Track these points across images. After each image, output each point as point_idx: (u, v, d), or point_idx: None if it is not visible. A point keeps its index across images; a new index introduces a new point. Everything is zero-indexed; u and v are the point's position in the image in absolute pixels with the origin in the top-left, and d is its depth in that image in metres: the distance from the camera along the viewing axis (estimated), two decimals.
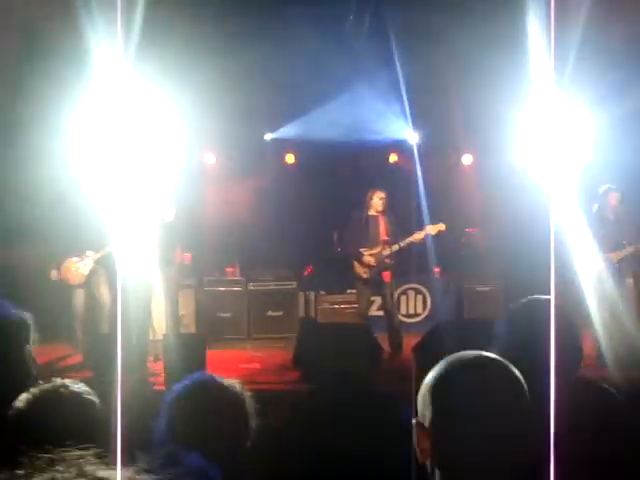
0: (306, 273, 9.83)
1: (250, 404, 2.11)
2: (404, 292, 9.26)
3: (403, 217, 8.10)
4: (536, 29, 7.55)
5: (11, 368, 2.21)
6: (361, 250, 7.39)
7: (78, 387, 2.01)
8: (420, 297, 9.60)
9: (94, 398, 2.01)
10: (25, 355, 2.27)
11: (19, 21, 7.59)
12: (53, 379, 2.09)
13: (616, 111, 8.03)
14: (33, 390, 2.01)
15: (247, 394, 2.14)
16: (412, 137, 9.96)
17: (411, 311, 9.50)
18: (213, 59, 8.14)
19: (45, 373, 6.39)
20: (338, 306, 9.31)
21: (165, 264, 7.18)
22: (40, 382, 2.10)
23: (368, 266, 7.36)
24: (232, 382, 2.08)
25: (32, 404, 1.96)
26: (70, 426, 1.87)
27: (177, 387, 2.06)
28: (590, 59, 7.40)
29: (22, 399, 1.98)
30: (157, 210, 6.98)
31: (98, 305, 7.61)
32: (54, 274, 7.56)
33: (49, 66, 7.44)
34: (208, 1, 8.29)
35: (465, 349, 5.03)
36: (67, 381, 2.03)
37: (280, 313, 9.28)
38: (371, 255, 7.36)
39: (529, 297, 2.44)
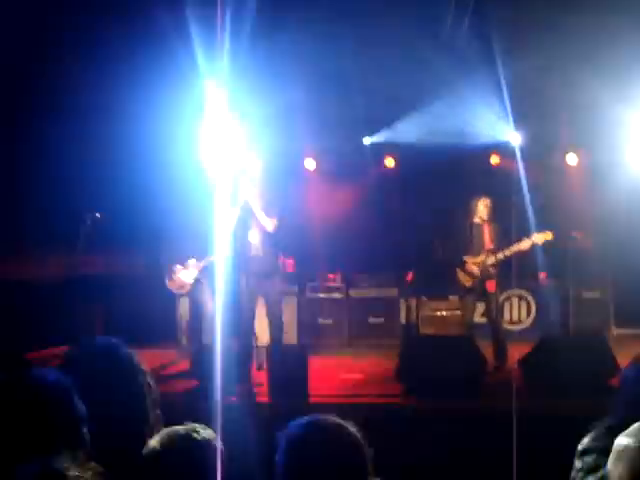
0: (407, 279, 9.74)
1: (367, 448, 2.04)
2: (507, 298, 9.07)
3: (508, 223, 7.90)
4: None
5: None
6: (465, 258, 7.25)
7: (208, 433, 2.02)
8: (524, 303, 9.39)
9: (220, 445, 2.01)
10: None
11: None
12: (185, 423, 2.09)
13: None
14: (167, 432, 2.03)
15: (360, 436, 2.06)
16: (514, 138, 9.70)
17: (515, 318, 9.29)
18: (312, 64, 8.16)
19: (157, 379, 6.58)
20: (440, 312, 9.22)
21: (268, 271, 7.25)
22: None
23: (472, 275, 7.22)
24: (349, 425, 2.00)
25: (166, 447, 1.97)
26: (198, 473, 1.91)
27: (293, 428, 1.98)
28: None
29: (156, 441, 1.99)
30: (260, 221, 7.05)
31: (202, 313, 7.78)
32: (168, 282, 7.78)
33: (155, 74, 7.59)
34: (311, 5, 8.30)
35: (572, 367, 4.87)
36: (197, 426, 2.03)
37: (381, 320, 9.27)
38: (475, 264, 7.23)
39: None
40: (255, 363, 7.13)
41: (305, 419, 1.96)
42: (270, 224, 7.02)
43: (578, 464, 2.39)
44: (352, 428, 1.94)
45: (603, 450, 2.32)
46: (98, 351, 2.37)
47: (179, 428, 2.01)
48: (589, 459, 2.35)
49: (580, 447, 2.42)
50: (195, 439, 1.97)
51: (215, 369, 5.51)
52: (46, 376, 1.88)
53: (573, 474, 2.41)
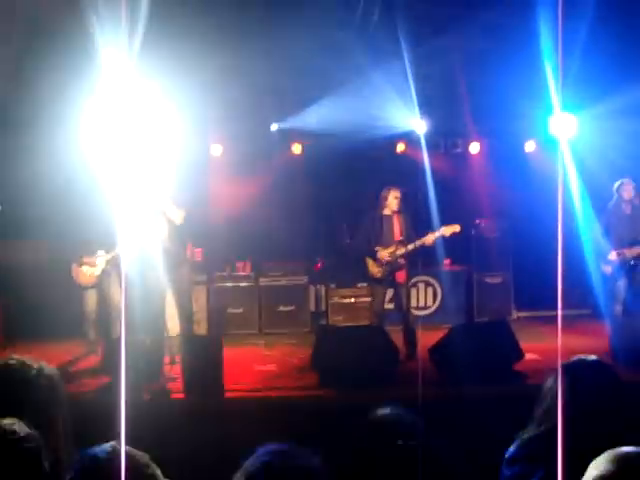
0: (316, 267, 9.82)
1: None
2: (414, 284, 9.24)
3: (415, 213, 8.06)
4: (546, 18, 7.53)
5: None
6: (375, 249, 7.36)
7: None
8: (430, 289, 9.63)
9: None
10: None
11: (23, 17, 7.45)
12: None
13: None
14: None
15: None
16: (419, 127, 9.87)
17: (421, 303, 9.52)
18: (220, 47, 8.03)
19: (65, 376, 6.42)
20: (349, 300, 9.34)
21: (177, 261, 7.16)
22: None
23: (382, 266, 7.34)
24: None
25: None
26: None
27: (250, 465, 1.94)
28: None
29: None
30: (167, 213, 6.94)
31: (110, 306, 7.60)
32: (75, 274, 7.56)
33: (54, 59, 7.32)
34: None
35: (479, 355, 5.02)
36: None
37: (291, 308, 9.32)
38: (385, 255, 7.34)
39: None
40: (167, 357, 7.01)
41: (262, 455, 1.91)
42: (178, 216, 6.93)
43: (507, 472, 2.47)
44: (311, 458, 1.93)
45: (530, 458, 2.42)
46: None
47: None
48: (516, 467, 2.44)
49: (507, 455, 2.51)
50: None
51: (130, 364, 5.41)
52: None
53: None
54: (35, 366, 2.42)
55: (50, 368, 2.46)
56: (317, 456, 1.94)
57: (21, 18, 7.22)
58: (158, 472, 1.85)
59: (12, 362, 2.41)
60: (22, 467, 1.88)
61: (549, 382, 2.52)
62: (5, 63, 7.19)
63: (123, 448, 1.78)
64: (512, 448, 2.50)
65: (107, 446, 1.84)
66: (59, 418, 2.34)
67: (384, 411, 2.34)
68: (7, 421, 1.93)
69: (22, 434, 1.92)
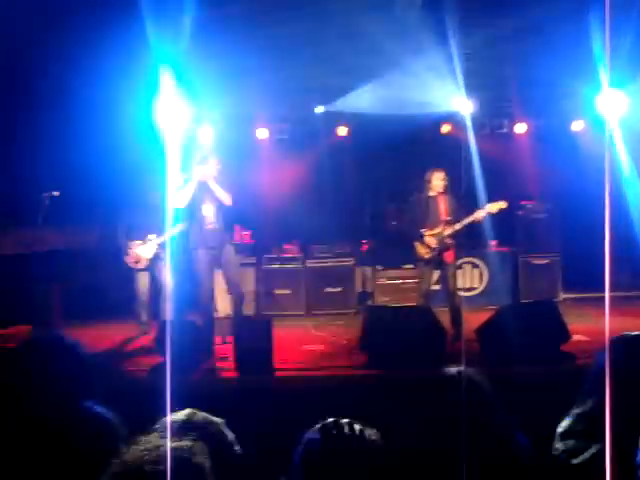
0: (363, 249, 9.88)
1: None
2: (460, 266, 9.25)
3: (461, 193, 8.06)
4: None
5: None
6: (422, 231, 7.40)
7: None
8: (477, 271, 9.63)
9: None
10: None
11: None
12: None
13: None
14: None
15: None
16: (465, 107, 9.82)
17: (467, 285, 9.53)
18: (264, 30, 8.08)
19: (117, 355, 6.60)
20: (395, 281, 9.40)
21: (224, 242, 7.29)
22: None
23: (429, 247, 7.38)
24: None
25: None
26: None
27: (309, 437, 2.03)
28: None
29: None
30: (216, 194, 7.06)
31: (161, 288, 7.78)
32: (127, 257, 7.77)
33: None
34: None
35: (526, 336, 5.04)
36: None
37: (338, 289, 9.42)
38: (432, 235, 7.38)
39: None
40: (219, 337, 7.17)
41: (320, 426, 2.01)
42: (227, 197, 7.05)
43: (560, 446, 2.51)
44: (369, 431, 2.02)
45: (583, 433, 2.47)
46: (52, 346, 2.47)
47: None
48: (570, 442, 2.49)
49: (560, 430, 2.55)
50: None
51: (183, 345, 5.58)
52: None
53: (555, 454, 2.55)
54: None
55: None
56: (375, 430, 2.03)
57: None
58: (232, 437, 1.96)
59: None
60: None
61: (601, 356, 2.56)
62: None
63: (169, 427, 1.90)
64: (565, 422, 2.55)
65: (183, 413, 1.95)
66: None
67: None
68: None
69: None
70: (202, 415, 1.95)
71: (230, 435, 1.94)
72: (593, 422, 2.41)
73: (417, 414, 2.38)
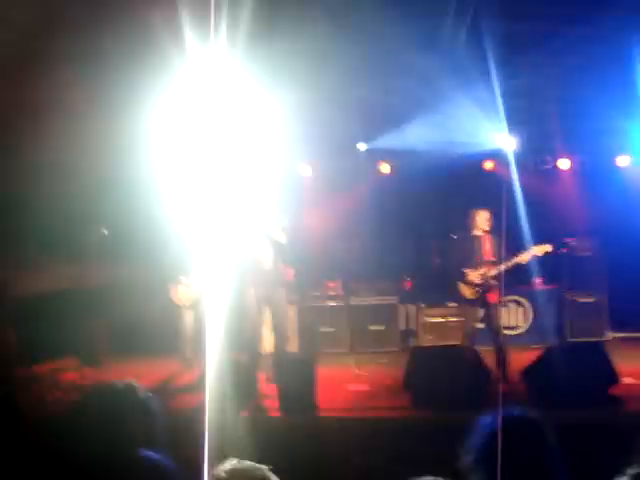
0: (406, 286, 9.87)
1: None
2: (504, 304, 9.19)
3: (506, 233, 8.03)
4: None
5: None
6: (466, 271, 7.37)
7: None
8: (521, 309, 9.55)
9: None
10: None
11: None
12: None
13: None
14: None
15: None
16: (508, 144, 9.81)
17: (512, 323, 9.44)
18: (310, 67, 8.19)
19: (161, 391, 6.64)
20: (439, 319, 9.36)
21: (276, 281, 7.32)
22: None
23: (474, 287, 7.35)
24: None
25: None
26: None
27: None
28: None
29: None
30: (270, 234, 7.12)
31: (206, 326, 7.83)
32: (173, 294, 7.86)
33: (136, 69, 7.55)
34: (309, 7, 8.29)
35: (574, 378, 4.94)
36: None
37: (381, 327, 9.40)
38: (476, 276, 7.35)
39: None
40: (264, 375, 7.19)
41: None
42: (282, 236, 7.10)
43: None
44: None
45: None
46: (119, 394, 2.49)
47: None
48: None
49: None
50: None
51: (229, 382, 5.61)
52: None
53: None
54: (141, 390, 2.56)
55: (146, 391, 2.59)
56: None
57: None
58: None
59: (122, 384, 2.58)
60: None
61: None
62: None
63: (206, 463, 1.93)
64: None
65: (226, 465, 1.96)
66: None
67: None
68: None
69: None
70: (247, 464, 1.96)
71: None
72: None
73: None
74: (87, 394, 2.97)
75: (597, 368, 6.45)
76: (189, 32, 6.54)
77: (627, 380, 6.62)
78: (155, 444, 2.36)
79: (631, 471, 2.49)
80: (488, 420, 2.34)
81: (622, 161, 10.17)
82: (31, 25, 6.84)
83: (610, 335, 9.47)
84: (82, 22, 7.06)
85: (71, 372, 7.31)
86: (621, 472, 2.54)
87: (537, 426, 2.33)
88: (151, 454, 2.24)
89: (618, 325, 9.58)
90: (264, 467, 1.97)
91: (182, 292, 7.89)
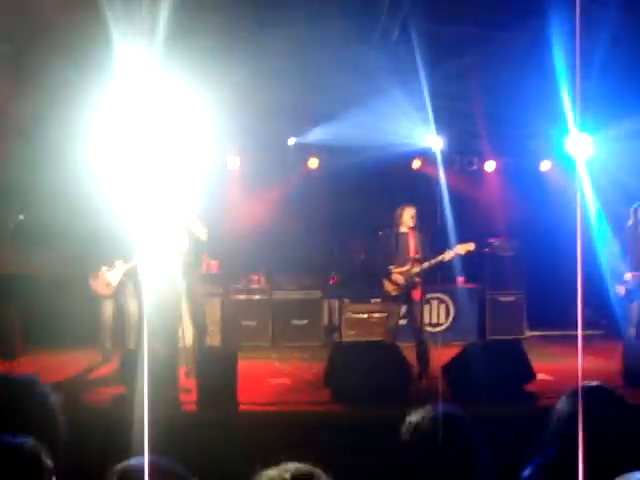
0: (331, 281, 9.87)
1: None
2: (427, 301, 9.28)
3: (430, 229, 8.10)
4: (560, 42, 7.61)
5: None
6: (390, 268, 7.40)
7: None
8: (443, 306, 9.67)
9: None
10: None
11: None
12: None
13: None
14: None
15: None
16: (436, 143, 9.92)
17: (434, 320, 9.55)
18: (239, 59, 8.10)
19: (78, 384, 6.47)
20: (362, 315, 9.39)
21: (192, 273, 7.23)
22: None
23: (397, 284, 7.38)
24: None
25: None
26: None
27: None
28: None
29: None
30: (189, 226, 7.00)
31: (126, 317, 7.67)
32: (93, 284, 7.66)
33: (71, 66, 7.37)
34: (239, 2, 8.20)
35: (492, 374, 5.01)
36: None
37: (304, 322, 9.37)
38: (400, 273, 7.38)
39: None
40: (184, 369, 7.07)
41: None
42: (203, 233, 6.99)
43: None
44: None
45: None
46: (17, 387, 2.39)
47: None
48: None
49: (524, 477, 2.55)
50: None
51: (139, 376, 5.49)
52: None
53: None
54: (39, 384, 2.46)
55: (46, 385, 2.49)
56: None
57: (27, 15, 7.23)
58: None
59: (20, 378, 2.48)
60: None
61: (564, 406, 2.56)
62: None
63: (146, 459, 1.84)
64: (528, 471, 2.53)
65: (142, 460, 1.86)
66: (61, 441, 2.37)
67: None
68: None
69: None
70: (294, 467, 1.80)
71: None
72: (555, 472, 2.40)
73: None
74: None
75: (514, 365, 6.58)
76: (115, 31, 6.41)
77: (541, 376, 6.76)
78: (50, 438, 2.25)
79: (537, 460, 2.52)
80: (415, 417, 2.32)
81: (545, 165, 10.43)
82: None
83: (528, 333, 9.70)
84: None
85: None
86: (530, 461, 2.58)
87: (465, 423, 2.33)
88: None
89: (536, 323, 9.83)
90: (319, 471, 1.81)
91: (102, 282, 7.69)
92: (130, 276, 7.61)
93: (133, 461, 1.96)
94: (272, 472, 1.77)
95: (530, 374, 6.63)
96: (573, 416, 2.49)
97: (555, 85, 7.95)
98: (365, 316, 9.37)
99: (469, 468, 2.20)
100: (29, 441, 1.90)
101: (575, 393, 2.50)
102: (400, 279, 7.35)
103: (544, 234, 9.67)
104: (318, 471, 1.81)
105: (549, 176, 10.32)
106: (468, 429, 2.29)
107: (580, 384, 2.44)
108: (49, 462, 1.89)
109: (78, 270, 7.94)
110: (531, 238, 9.86)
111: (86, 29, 6.80)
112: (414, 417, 2.34)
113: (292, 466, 1.79)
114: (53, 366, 7.41)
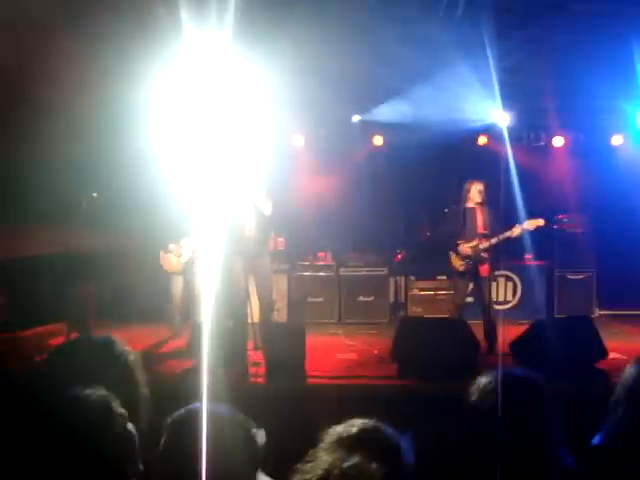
0: (397, 258, 9.86)
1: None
2: (494, 279, 9.17)
3: (498, 206, 8.00)
4: None
5: None
6: (458, 242, 7.35)
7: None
8: (510, 284, 9.55)
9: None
10: None
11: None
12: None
13: None
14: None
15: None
16: (502, 119, 9.76)
17: (501, 298, 9.44)
18: (303, 38, 8.10)
19: (148, 357, 6.63)
20: (428, 292, 9.36)
21: (260, 250, 7.30)
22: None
23: (465, 259, 7.33)
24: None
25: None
26: None
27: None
28: None
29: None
30: (256, 202, 7.07)
31: (195, 293, 7.82)
32: (162, 261, 7.83)
33: (134, 44, 7.47)
34: None
35: (561, 351, 4.94)
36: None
37: (371, 298, 9.40)
38: (468, 248, 7.33)
39: None
40: (252, 342, 7.18)
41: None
42: (268, 207, 7.04)
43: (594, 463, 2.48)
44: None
45: (614, 451, 2.42)
46: (95, 347, 2.49)
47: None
48: (604, 459, 2.44)
49: (593, 446, 2.52)
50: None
51: (214, 349, 5.58)
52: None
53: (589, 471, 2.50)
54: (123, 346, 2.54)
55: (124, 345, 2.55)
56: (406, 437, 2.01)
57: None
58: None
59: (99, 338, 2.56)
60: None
61: (625, 372, 2.54)
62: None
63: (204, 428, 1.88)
64: (597, 439, 2.51)
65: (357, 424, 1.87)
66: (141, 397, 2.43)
67: None
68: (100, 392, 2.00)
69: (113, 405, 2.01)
70: (360, 421, 1.85)
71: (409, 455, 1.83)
72: (624, 439, 2.38)
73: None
74: (64, 345, 2.95)
75: (585, 342, 6.48)
76: (185, 12, 6.48)
77: (613, 355, 6.64)
78: (128, 393, 2.32)
79: (605, 428, 2.48)
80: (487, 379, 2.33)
81: (616, 140, 10.15)
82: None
83: (598, 312, 9.51)
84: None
85: (58, 337, 7.29)
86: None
87: (536, 384, 2.32)
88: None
89: (606, 302, 9.62)
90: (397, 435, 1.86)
91: (171, 259, 7.86)
92: (199, 253, 7.75)
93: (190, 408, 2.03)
94: (339, 427, 1.83)
95: (602, 351, 6.51)
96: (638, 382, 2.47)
97: (627, 58, 7.75)
98: (431, 293, 9.33)
99: (539, 430, 2.19)
100: (98, 391, 1.98)
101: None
102: (468, 251, 7.29)
103: (614, 211, 9.41)
104: (383, 426, 1.86)
105: (620, 151, 10.04)
106: (540, 390, 2.29)
107: None
108: (121, 410, 1.96)
109: (148, 247, 8.13)
110: (601, 215, 9.61)
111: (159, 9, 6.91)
112: (484, 379, 2.35)
113: (358, 421, 1.85)
114: (123, 340, 7.60)
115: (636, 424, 2.35)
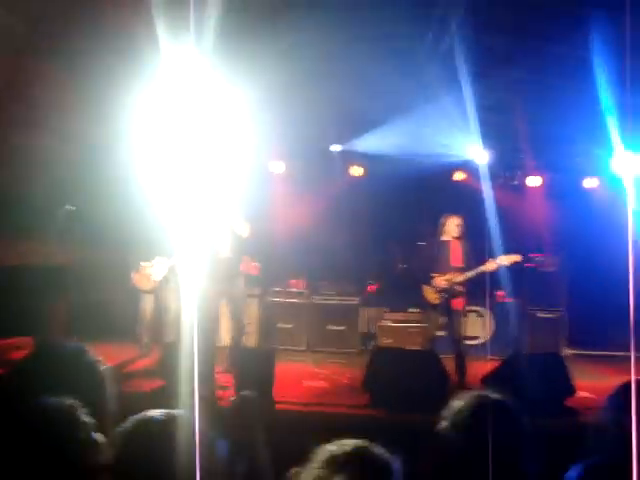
0: (369, 289, 9.85)
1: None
2: (465, 314, 9.20)
3: (473, 241, 8.05)
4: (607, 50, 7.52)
5: None
6: (432, 275, 7.36)
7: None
8: (480, 320, 9.57)
9: None
10: None
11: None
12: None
13: None
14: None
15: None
16: (480, 156, 9.87)
17: (472, 333, 9.44)
18: (285, 66, 8.14)
19: (117, 376, 6.51)
20: (400, 324, 9.33)
21: (234, 273, 7.25)
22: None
23: (439, 292, 7.33)
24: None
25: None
26: None
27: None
28: None
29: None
30: (232, 225, 7.03)
31: (165, 312, 7.72)
32: (135, 278, 7.73)
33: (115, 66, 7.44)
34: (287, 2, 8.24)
35: (532, 387, 4.93)
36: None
37: (342, 327, 9.35)
38: (443, 281, 7.34)
39: None
40: (221, 365, 7.10)
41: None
42: (245, 229, 7.02)
43: None
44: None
45: None
46: (66, 354, 2.47)
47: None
48: None
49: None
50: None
51: (183, 369, 5.49)
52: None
53: None
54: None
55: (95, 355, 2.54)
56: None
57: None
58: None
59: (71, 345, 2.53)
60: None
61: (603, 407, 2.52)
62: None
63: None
64: (574, 472, 2.48)
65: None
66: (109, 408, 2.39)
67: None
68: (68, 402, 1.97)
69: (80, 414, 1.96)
70: (352, 442, 1.83)
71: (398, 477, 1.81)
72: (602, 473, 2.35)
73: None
74: (35, 352, 2.88)
75: (555, 378, 6.50)
76: (163, 31, 6.47)
77: (582, 394, 6.66)
78: (99, 406, 2.27)
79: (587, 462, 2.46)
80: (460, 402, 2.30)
81: (590, 183, 10.31)
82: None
83: (567, 351, 9.55)
84: (62, 21, 6.95)
85: (22, 350, 7.13)
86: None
87: (512, 410, 2.30)
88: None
89: (575, 342, 9.67)
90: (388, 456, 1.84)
91: (143, 277, 7.76)
92: (173, 273, 7.67)
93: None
94: (331, 446, 1.80)
95: (570, 389, 6.54)
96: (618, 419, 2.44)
97: (603, 103, 7.87)
98: (403, 325, 9.31)
99: (513, 456, 2.16)
100: (66, 400, 1.96)
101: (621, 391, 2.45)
102: (443, 284, 7.30)
103: (586, 251, 9.52)
104: (374, 446, 1.83)
105: (594, 194, 10.20)
106: (516, 414, 2.26)
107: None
108: (87, 419, 1.94)
109: (121, 263, 8.03)
110: (573, 255, 9.71)
111: (133, 22, 6.88)
112: (457, 403, 2.33)
113: (350, 441, 1.82)
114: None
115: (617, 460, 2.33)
